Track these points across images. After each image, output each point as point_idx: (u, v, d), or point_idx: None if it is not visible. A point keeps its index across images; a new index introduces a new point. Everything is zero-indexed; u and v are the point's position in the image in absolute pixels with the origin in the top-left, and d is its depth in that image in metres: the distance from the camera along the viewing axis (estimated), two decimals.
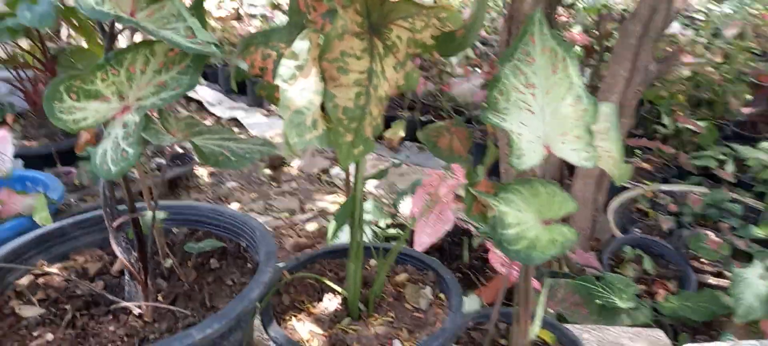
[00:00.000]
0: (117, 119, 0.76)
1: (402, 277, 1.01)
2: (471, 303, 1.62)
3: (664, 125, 2.88)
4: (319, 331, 0.88)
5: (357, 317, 0.92)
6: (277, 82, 0.68)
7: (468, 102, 3.45)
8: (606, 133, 0.78)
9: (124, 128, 0.74)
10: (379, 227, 1.74)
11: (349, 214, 0.87)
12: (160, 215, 1.01)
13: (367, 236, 1.70)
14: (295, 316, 0.93)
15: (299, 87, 0.68)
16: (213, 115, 4.36)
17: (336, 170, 3.09)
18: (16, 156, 1.97)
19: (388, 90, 0.77)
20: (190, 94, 4.64)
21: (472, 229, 1.75)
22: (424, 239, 1.40)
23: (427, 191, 0.93)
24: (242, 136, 0.85)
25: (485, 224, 0.85)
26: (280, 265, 1.01)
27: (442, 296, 0.97)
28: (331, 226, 0.85)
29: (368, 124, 0.75)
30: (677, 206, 2.34)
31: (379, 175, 1.71)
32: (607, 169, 0.79)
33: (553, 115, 0.71)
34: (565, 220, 0.84)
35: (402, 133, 3.43)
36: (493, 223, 0.71)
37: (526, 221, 0.73)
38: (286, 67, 0.68)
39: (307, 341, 0.86)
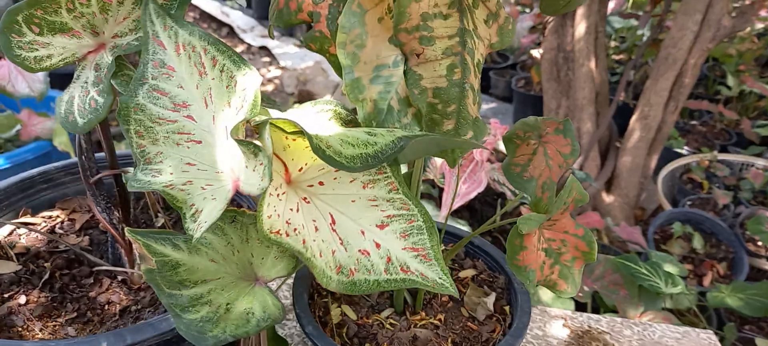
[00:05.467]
0: (89, 59, 0.63)
1: (467, 273, 0.84)
2: None
3: (728, 86, 2.62)
4: (353, 317, 0.74)
5: (401, 311, 0.77)
6: (340, 55, 0.51)
7: (514, 47, 3.21)
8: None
9: (96, 71, 0.62)
10: None
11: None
12: None
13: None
14: (332, 292, 0.79)
15: (367, 66, 0.52)
16: (243, 42, 4.20)
17: None
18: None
19: (484, 53, 0.60)
20: (221, 18, 4.49)
21: (508, 192, 1.61)
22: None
23: None
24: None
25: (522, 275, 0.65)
26: None
27: (506, 308, 0.79)
28: None
29: (471, 102, 0.58)
30: (735, 179, 2.13)
31: None
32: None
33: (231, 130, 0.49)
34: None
35: None
36: (158, 272, 0.51)
37: (221, 278, 0.54)
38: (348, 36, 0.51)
39: (337, 325, 0.73)
